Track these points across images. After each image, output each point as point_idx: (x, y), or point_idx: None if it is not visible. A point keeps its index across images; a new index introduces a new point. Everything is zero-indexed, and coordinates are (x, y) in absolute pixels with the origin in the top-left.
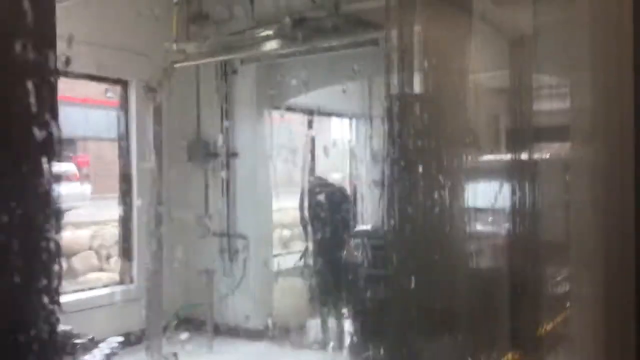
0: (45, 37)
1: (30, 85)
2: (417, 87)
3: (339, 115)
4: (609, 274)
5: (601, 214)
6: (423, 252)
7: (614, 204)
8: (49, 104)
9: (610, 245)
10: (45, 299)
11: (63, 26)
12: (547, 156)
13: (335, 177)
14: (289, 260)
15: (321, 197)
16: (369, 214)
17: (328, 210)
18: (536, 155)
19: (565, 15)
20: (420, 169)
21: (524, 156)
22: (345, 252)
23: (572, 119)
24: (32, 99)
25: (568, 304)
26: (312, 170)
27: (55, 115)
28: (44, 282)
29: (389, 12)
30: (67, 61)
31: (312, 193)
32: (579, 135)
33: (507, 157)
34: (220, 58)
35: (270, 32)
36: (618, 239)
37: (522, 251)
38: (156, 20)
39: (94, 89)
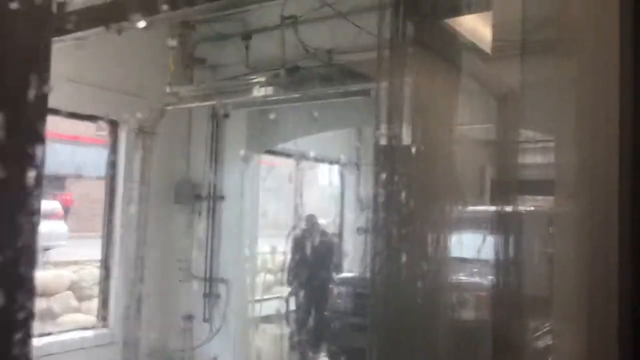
0: (40, 75)
1: (20, 120)
2: (406, 138)
3: (328, 162)
4: (592, 328)
5: (585, 269)
6: (405, 300)
7: (598, 259)
8: (38, 141)
9: (593, 300)
10: (19, 340)
11: (56, 65)
12: (532, 209)
13: (322, 222)
14: (272, 305)
15: (314, 243)
16: (353, 262)
17: (320, 256)
18: (521, 208)
19: (553, 73)
20: (406, 219)
21: (509, 208)
22: (329, 299)
23: (557, 173)
24: (23, 135)
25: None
26: (304, 216)
27: (43, 153)
28: (19, 322)
29: (381, 65)
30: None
31: (304, 239)
32: (564, 189)
33: (492, 208)
34: (213, 102)
35: (263, 79)
36: (602, 294)
37: (506, 303)
38: (151, 63)
39: (83, 127)
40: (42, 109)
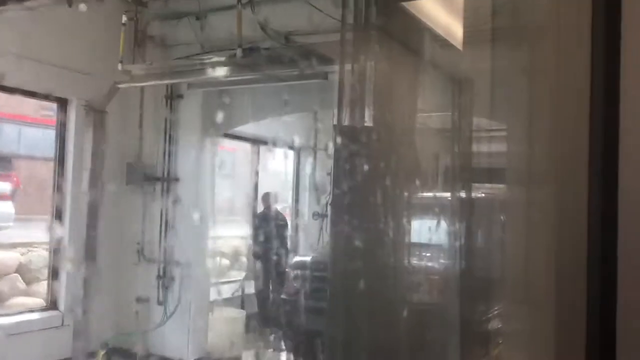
0: None
1: None
2: (364, 121)
3: (283, 146)
4: (560, 313)
5: (553, 254)
6: (361, 284)
7: (565, 243)
8: None
9: (561, 285)
10: None
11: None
12: (499, 196)
13: (277, 207)
14: (226, 289)
15: (270, 227)
16: (308, 246)
17: (275, 240)
18: (484, 194)
19: (519, 60)
20: (363, 201)
21: (469, 194)
22: (285, 282)
23: (528, 161)
24: None
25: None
26: (264, 199)
27: None
28: None
29: (343, 47)
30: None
31: (262, 222)
32: (533, 176)
33: (460, 194)
34: (166, 81)
35: (219, 59)
36: (569, 279)
37: (466, 287)
38: (102, 39)
39: (29, 106)
40: None
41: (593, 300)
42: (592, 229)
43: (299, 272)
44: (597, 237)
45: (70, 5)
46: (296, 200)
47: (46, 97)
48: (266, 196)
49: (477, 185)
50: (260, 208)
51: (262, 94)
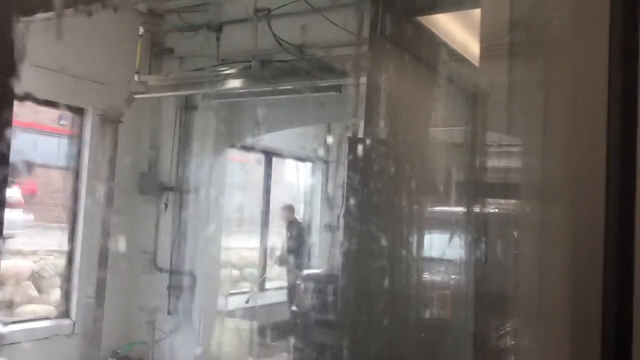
0: (8, 58)
1: None
2: (379, 133)
3: (296, 158)
4: (576, 330)
5: (569, 270)
6: (374, 297)
7: (581, 259)
8: (3, 127)
9: (576, 302)
10: None
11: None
12: (515, 212)
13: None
14: (236, 300)
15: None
16: (319, 258)
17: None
18: (498, 209)
19: (537, 75)
20: (376, 213)
21: (483, 209)
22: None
23: (541, 176)
24: None
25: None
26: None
27: (7, 139)
28: None
29: (359, 60)
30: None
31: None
32: (551, 193)
33: (483, 210)
34: (182, 93)
35: (234, 71)
36: (585, 294)
37: (479, 302)
38: (119, 50)
39: (47, 115)
40: (8, 93)
41: (609, 318)
42: (609, 245)
43: (310, 284)
44: (613, 253)
45: (90, 16)
46: (308, 212)
47: (62, 106)
48: (291, 207)
49: (491, 200)
50: (285, 218)
51: (275, 105)
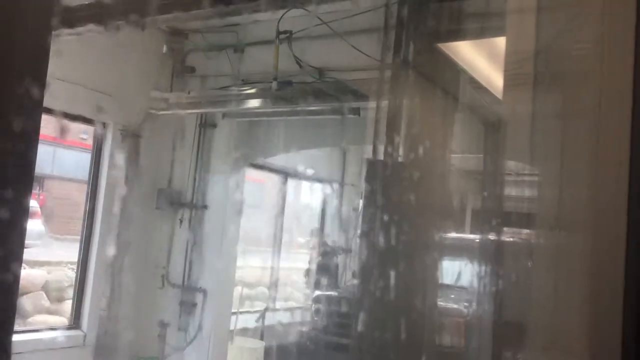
0: (37, 73)
1: (16, 119)
2: (397, 157)
3: (311, 179)
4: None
5: (588, 301)
6: (387, 321)
7: (601, 291)
8: (31, 140)
9: (596, 334)
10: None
11: (51, 63)
12: (533, 241)
13: (301, 241)
14: (248, 319)
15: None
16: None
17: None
18: (515, 238)
19: (559, 104)
20: (389, 238)
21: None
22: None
23: (562, 206)
24: (17, 133)
25: None
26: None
27: (34, 151)
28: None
29: (381, 84)
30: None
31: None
32: (571, 221)
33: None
34: (202, 110)
35: (254, 90)
36: (604, 326)
37: (494, 331)
38: (141, 67)
39: (68, 128)
40: (37, 107)
41: (629, 352)
42: (630, 278)
43: (321, 306)
44: (634, 287)
45: (118, 30)
46: (322, 234)
47: (84, 120)
48: (320, 230)
49: (507, 229)
50: (316, 241)
51: (293, 126)
